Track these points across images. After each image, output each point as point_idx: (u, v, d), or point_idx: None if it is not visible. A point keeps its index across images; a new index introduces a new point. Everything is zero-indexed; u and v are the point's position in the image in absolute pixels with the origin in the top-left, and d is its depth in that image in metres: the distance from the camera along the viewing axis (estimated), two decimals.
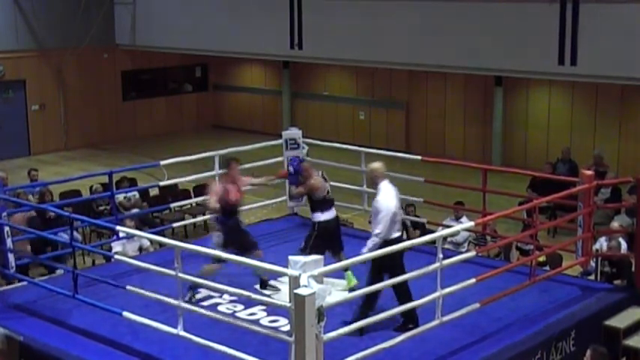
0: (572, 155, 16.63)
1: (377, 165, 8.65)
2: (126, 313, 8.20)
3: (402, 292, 8.20)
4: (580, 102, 19.25)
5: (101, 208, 14.13)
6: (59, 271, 11.22)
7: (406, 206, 13.44)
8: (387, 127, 22.44)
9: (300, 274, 6.68)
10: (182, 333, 7.76)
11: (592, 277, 10.67)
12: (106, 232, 13.27)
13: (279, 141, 12.37)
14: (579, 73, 15.74)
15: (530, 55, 16.18)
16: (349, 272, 9.24)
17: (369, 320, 7.66)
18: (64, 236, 10.87)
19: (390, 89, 22.45)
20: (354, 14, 18.70)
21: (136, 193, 14.66)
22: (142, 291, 8.20)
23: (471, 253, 8.68)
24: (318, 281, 6.73)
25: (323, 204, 9.64)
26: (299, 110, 24.30)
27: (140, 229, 11.69)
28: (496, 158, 19.73)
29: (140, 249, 12.26)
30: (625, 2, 15.10)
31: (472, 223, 9.02)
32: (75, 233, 10.15)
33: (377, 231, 8.28)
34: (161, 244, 10.97)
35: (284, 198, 12.61)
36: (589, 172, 10.02)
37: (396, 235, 8.39)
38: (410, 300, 8.09)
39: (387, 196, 8.41)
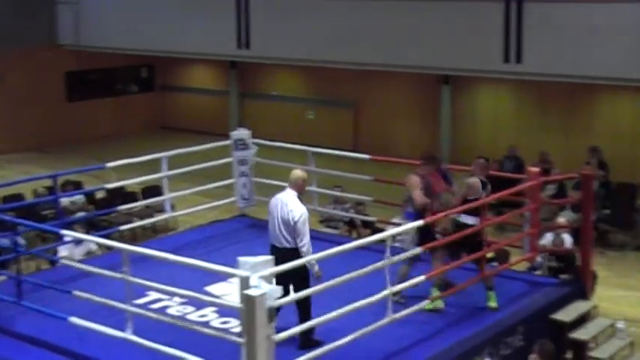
0: (519, 152, 16.84)
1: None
2: (73, 318, 8.07)
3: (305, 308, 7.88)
4: (526, 100, 19.52)
5: (45, 212, 13.89)
6: (1, 277, 10.99)
7: (356, 205, 13.50)
8: (335, 127, 22.47)
9: (250, 275, 6.64)
10: (131, 337, 7.66)
11: (539, 272, 10.81)
12: (50, 236, 13.04)
13: (228, 141, 12.31)
14: (524, 71, 15.96)
15: (476, 53, 16.36)
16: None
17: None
18: (6, 242, 10.66)
19: (338, 89, 22.49)
20: (301, 14, 18.70)
21: (82, 197, 14.44)
22: (90, 295, 8.08)
23: (419, 249, 8.70)
24: (268, 282, 6.70)
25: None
26: (247, 110, 24.21)
27: (87, 233, 11.52)
28: (444, 156, 19.87)
29: (88, 253, 12.09)
30: (569, 2, 15.35)
31: (422, 221, 9.04)
32: (19, 238, 9.95)
33: (306, 241, 8.00)
34: (109, 248, 10.81)
35: (233, 199, 12.55)
36: (535, 169, 10.16)
37: None
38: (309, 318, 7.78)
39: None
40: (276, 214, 8.09)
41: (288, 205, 8.07)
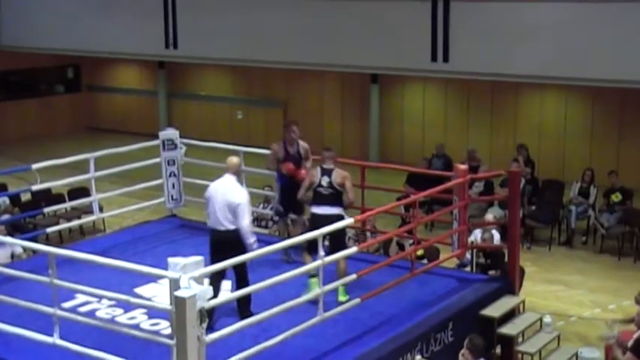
0: (447, 150, 17.06)
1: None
2: None
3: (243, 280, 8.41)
4: (453, 98, 19.77)
5: None
6: None
7: None
8: (265, 126, 22.41)
9: (180, 276, 6.57)
10: (58, 341, 7.50)
11: (468, 269, 10.96)
12: None
13: (157, 142, 12.18)
14: (451, 69, 16.14)
15: (404, 52, 16.49)
16: (314, 279, 8.65)
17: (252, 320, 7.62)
18: None
19: (267, 88, 22.43)
20: (230, 13, 18.58)
21: (6, 199, 14.11)
22: (14, 300, 7.88)
23: (353, 249, 8.74)
24: (199, 282, 6.64)
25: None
26: (176, 110, 23.98)
27: (12, 236, 11.25)
28: (373, 155, 20.02)
29: (12, 256, 11.80)
30: (495, 1, 15.59)
31: (352, 220, 9.10)
32: None
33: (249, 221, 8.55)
34: (35, 251, 10.58)
35: (162, 199, 12.41)
36: (463, 167, 10.29)
37: None
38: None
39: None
40: (219, 198, 8.53)
41: (232, 188, 8.58)
